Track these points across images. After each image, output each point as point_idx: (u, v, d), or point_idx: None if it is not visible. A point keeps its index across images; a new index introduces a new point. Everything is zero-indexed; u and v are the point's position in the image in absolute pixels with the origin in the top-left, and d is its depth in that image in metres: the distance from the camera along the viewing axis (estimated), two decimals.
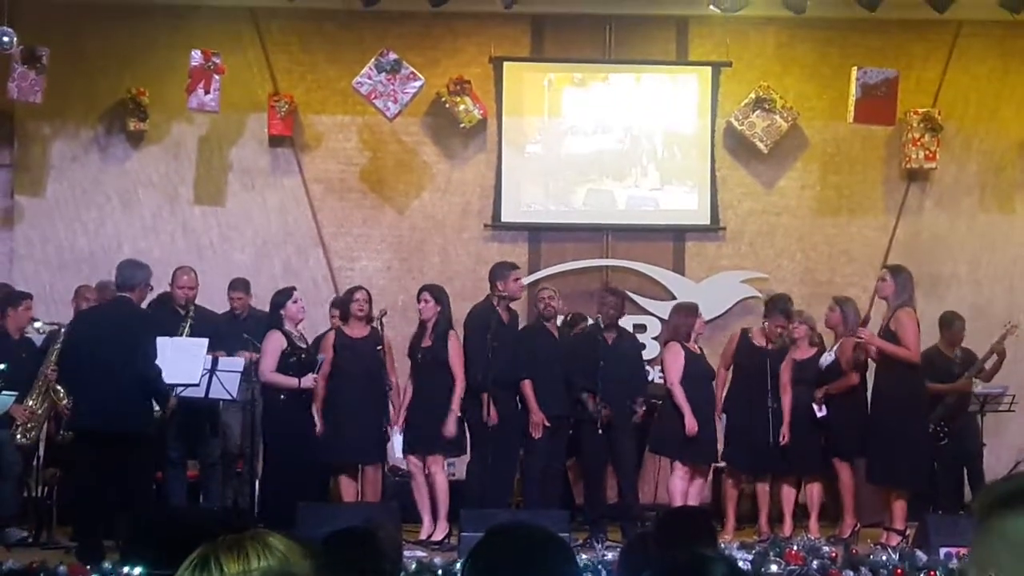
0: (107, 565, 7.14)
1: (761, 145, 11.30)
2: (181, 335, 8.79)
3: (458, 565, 7.14)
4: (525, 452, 9.15)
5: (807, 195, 11.64)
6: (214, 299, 9.82)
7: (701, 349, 9.39)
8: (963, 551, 7.13)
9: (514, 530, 2.59)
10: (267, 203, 11.40)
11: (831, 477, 9.29)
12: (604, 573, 7.26)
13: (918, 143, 11.35)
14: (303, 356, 8.84)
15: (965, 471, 9.92)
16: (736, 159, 11.54)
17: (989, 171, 11.69)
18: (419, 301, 9.07)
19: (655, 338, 10.79)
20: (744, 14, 10.62)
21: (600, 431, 8.94)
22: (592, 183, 11.48)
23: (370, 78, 10.69)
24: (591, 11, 11.38)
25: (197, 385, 8.42)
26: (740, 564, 7.03)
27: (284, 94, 11.22)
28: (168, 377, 7.96)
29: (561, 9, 11.37)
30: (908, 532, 8.55)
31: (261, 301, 9.58)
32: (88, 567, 7.25)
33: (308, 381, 8.68)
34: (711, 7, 10.55)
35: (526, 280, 10.56)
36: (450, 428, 8.77)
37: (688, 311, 9.44)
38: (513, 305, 9.43)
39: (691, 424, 8.93)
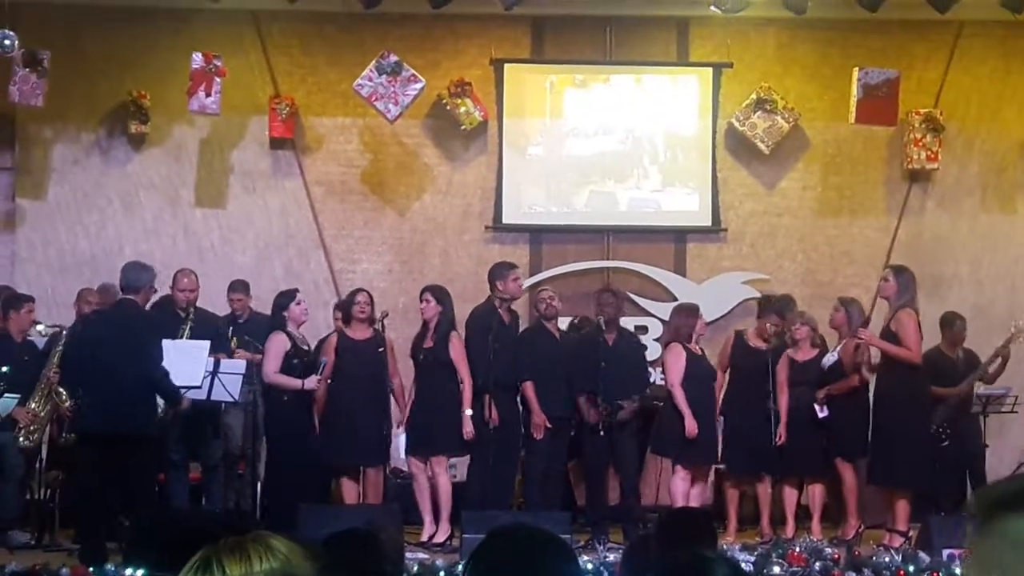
0: (109, 567, 7.15)
1: (762, 146, 11.30)
2: (181, 338, 8.79)
3: (460, 567, 7.14)
4: (526, 453, 9.16)
5: (808, 196, 11.63)
6: (215, 301, 9.82)
7: (702, 350, 9.39)
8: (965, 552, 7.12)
9: (515, 532, 2.59)
10: (268, 205, 11.40)
11: (833, 478, 9.29)
12: (606, 575, 7.26)
13: (919, 144, 11.35)
14: (306, 358, 8.85)
15: (967, 473, 9.91)
16: (737, 160, 11.53)
17: (991, 171, 11.68)
18: (421, 302, 9.08)
19: (656, 339, 10.78)
20: (745, 15, 10.61)
21: (602, 433, 8.93)
22: (594, 185, 11.48)
23: (371, 80, 10.69)
24: (591, 12, 11.37)
25: (199, 387, 8.42)
26: (742, 566, 7.03)
27: (285, 96, 11.23)
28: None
29: (561, 11, 11.36)
30: (911, 533, 8.54)
31: (262, 303, 9.58)
32: (91, 569, 7.25)
33: (312, 383, 8.67)
34: (712, 8, 10.55)
35: (527, 282, 10.58)
36: (467, 429, 8.77)
37: (689, 312, 9.44)
38: (514, 307, 9.44)
39: (691, 426, 8.93)
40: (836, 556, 7.77)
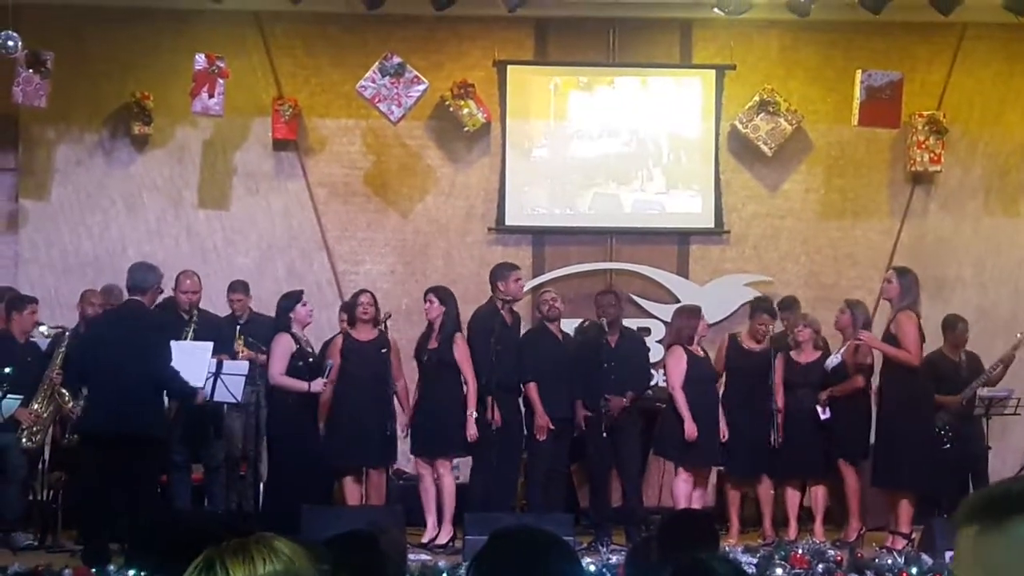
0: (112, 568, 7.15)
1: (765, 148, 11.29)
2: (186, 339, 8.80)
3: (463, 569, 7.14)
4: (529, 455, 9.16)
5: (811, 198, 11.63)
6: (217, 303, 9.83)
7: (705, 351, 9.39)
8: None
9: (518, 534, 2.59)
10: (271, 207, 11.41)
11: (836, 480, 9.29)
12: None
13: (923, 146, 11.34)
14: (311, 360, 8.85)
15: (970, 475, 9.90)
16: (740, 162, 11.53)
17: (994, 174, 11.68)
18: (425, 303, 9.09)
19: (659, 341, 10.78)
20: (748, 17, 10.62)
21: (604, 434, 8.93)
22: (598, 187, 11.47)
23: (374, 82, 10.69)
24: (595, 14, 11.37)
25: (202, 389, 8.42)
26: (745, 567, 7.03)
27: (288, 98, 11.23)
28: None
29: (565, 13, 11.36)
30: (913, 536, 8.54)
31: (265, 305, 9.58)
32: (93, 570, 7.25)
33: (318, 385, 8.65)
34: (715, 10, 10.54)
35: (530, 284, 10.59)
36: (471, 431, 8.76)
37: (691, 313, 9.44)
38: (517, 308, 9.44)
39: (690, 429, 8.93)
40: (839, 558, 7.78)
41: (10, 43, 9.84)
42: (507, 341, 8.99)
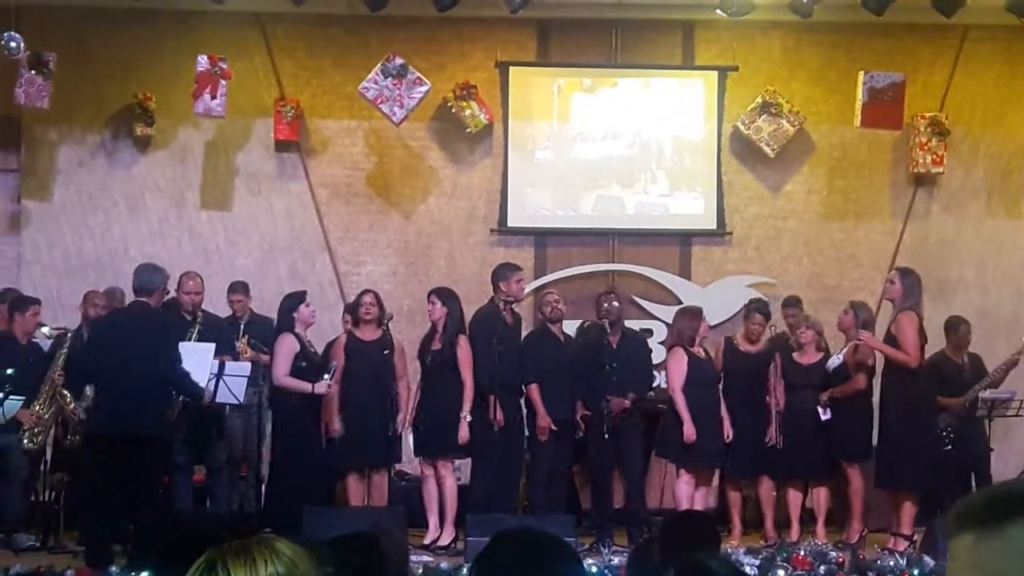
0: (114, 569, 7.15)
1: (768, 149, 11.29)
2: (189, 340, 8.80)
3: (464, 570, 7.14)
4: (531, 456, 9.16)
5: (814, 199, 11.62)
6: (220, 304, 9.83)
7: (707, 353, 9.38)
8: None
9: (520, 535, 2.60)
10: (273, 208, 11.41)
11: (838, 481, 9.29)
12: None
13: (925, 147, 11.34)
14: (314, 360, 8.84)
15: (973, 476, 9.89)
16: (742, 163, 11.53)
17: (996, 175, 11.68)
18: (428, 304, 9.09)
19: (660, 343, 10.78)
20: (750, 18, 10.61)
21: (606, 436, 8.93)
22: (601, 189, 11.47)
23: (376, 83, 10.69)
24: (597, 16, 11.38)
25: (204, 389, 8.42)
26: (747, 569, 7.03)
27: (290, 99, 11.23)
28: None
29: (567, 14, 11.36)
30: (916, 537, 8.52)
31: (267, 306, 9.59)
32: (96, 571, 7.25)
33: (322, 387, 8.65)
34: (717, 11, 10.55)
35: (532, 285, 10.59)
36: (463, 433, 8.76)
37: (692, 315, 9.44)
38: (519, 309, 9.44)
39: (689, 431, 8.92)
40: (841, 560, 7.77)
41: (12, 44, 9.85)
42: (509, 342, 8.99)
